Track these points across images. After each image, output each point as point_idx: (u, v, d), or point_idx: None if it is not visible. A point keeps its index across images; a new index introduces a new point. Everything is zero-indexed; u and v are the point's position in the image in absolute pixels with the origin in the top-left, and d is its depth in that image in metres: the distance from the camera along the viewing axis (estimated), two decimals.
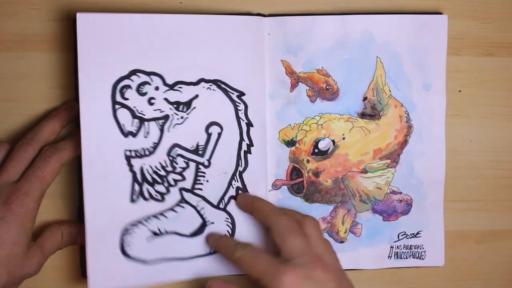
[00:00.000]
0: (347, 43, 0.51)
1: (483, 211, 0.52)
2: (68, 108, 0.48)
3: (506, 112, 0.54)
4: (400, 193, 0.53)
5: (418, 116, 0.52)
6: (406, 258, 0.54)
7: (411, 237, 0.53)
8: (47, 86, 0.49)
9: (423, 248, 0.54)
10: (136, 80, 0.47)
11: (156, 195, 0.48)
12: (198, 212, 0.50)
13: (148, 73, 0.47)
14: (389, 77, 0.52)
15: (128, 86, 0.47)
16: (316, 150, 0.52)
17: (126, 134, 0.47)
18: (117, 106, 0.47)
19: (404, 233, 0.53)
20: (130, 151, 0.47)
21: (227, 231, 0.50)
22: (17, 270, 0.43)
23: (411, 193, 0.53)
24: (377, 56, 0.51)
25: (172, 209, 0.49)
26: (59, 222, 0.49)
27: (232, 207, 0.50)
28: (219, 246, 0.48)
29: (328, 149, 0.52)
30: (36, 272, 0.45)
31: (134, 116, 0.47)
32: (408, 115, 0.52)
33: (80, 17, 0.45)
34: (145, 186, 0.48)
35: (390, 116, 0.52)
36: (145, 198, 0.48)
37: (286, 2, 0.51)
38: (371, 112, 0.52)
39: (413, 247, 0.53)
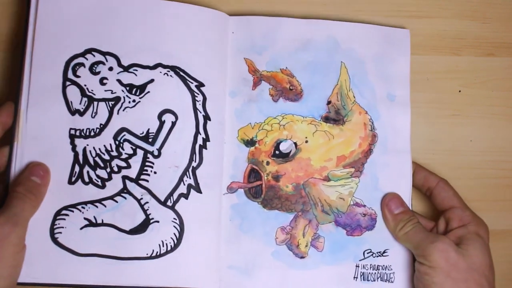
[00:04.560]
0: (312, 46, 0.50)
1: (483, 211, 0.49)
2: (9, 112, 0.44)
3: (506, 112, 0.53)
4: (364, 206, 0.49)
5: (383, 126, 0.50)
6: (374, 280, 0.48)
7: (377, 256, 0.48)
8: None
9: (391, 269, 0.48)
10: (91, 58, 0.45)
11: (97, 180, 0.44)
12: (142, 206, 0.45)
13: (104, 53, 0.46)
14: (353, 83, 0.51)
15: (82, 64, 0.45)
16: (277, 152, 0.49)
17: (73, 112, 0.44)
18: (67, 83, 0.45)
19: (370, 250, 0.48)
20: (75, 130, 0.44)
21: (174, 233, 0.45)
22: None
23: (376, 207, 0.49)
24: (341, 61, 0.51)
25: (112, 198, 0.44)
26: None
27: (182, 206, 0.45)
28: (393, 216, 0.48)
29: (290, 151, 0.49)
30: None
31: (83, 94, 0.45)
32: (372, 123, 0.50)
33: None
34: (86, 168, 0.44)
35: (354, 122, 0.50)
36: (84, 182, 0.44)
37: (252, 1, 0.51)
38: (335, 117, 0.50)
39: (380, 267, 0.48)
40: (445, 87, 0.53)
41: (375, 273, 0.48)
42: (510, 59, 0.53)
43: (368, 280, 0.48)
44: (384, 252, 0.48)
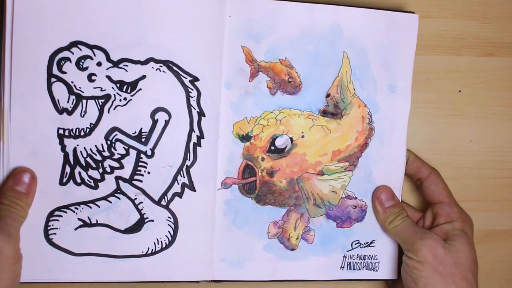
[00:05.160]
0: (313, 34, 0.47)
1: (483, 211, 0.51)
2: None
3: (506, 112, 0.53)
4: (355, 198, 0.50)
5: (381, 119, 0.49)
6: (359, 269, 0.50)
7: (364, 246, 0.50)
8: None
9: (376, 259, 0.50)
10: (77, 52, 0.42)
11: (89, 181, 0.43)
12: (136, 206, 0.45)
13: (91, 46, 0.42)
14: (354, 74, 0.48)
15: (67, 59, 0.42)
16: (272, 148, 0.48)
17: (60, 110, 0.42)
18: (52, 80, 0.42)
19: (358, 241, 0.50)
20: (64, 129, 0.43)
21: (168, 231, 0.46)
22: None
23: (366, 199, 0.50)
24: (344, 51, 0.48)
25: (106, 198, 0.44)
26: None
27: (176, 205, 0.46)
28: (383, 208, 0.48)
29: (286, 147, 0.48)
30: None
31: (71, 92, 0.42)
32: (370, 116, 0.49)
33: None
34: (78, 169, 0.43)
35: (352, 116, 0.49)
36: (76, 183, 0.43)
37: None
38: (333, 111, 0.49)
39: (366, 257, 0.50)
40: (445, 87, 0.52)
41: (361, 262, 0.50)
42: (510, 59, 0.52)
43: (354, 269, 0.50)
44: (371, 242, 0.50)
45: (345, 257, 0.50)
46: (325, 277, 0.50)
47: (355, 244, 0.50)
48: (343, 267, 0.50)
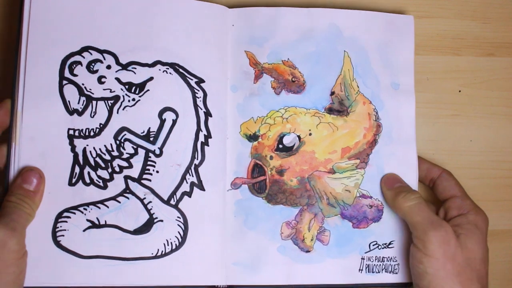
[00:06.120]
0: (314, 35, 0.49)
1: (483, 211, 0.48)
2: (6, 110, 0.43)
3: (506, 112, 0.53)
4: (371, 197, 0.48)
5: (387, 115, 0.49)
6: (379, 272, 0.48)
7: (383, 248, 0.48)
8: None
9: (396, 261, 0.48)
10: (88, 57, 0.44)
11: (98, 181, 0.44)
12: (145, 206, 0.44)
13: (101, 51, 0.45)
14: (357, 72, 0.49)
15: (78, 63, 0.44)
16: (280, 146, 0.48)
17: (71, 111, 0.44)
18: (64, 82, 0.44)
19: (375, 242, 0.48)
20: (74, 130, 0.43)
21: (178, 232, 0.45)
22: None
23: (382, 198, 0.48)
24: (344, 51, 0.49)
25: (114, 198, 0.44)
26: None
27: (186, 204, 0.45)
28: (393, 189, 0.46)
29: (294, 145, 0.48)
30: None
31: (81, 93, 0.44)
32: (377, 113, 0.49)
33: None
34: (87, 169, 0.43)
35: (358, 113, 0.49)
36: (85, 183, 0.43)
37: None
38: (338, 108, 0.49)
39: (385, 259, 0.48)
40: (445, 87, 0.52)
41: (380, 264, 0.48)
42: (510, 59, 0.53)
43: (373, 272, 0.48)
44: (389, 243, 0.48)
45: (363, 259, 0.48)
46: (344, 281, 0.47)
47: (373, 245, 0.48)
48: (362, 269, 0.48)
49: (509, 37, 0.53)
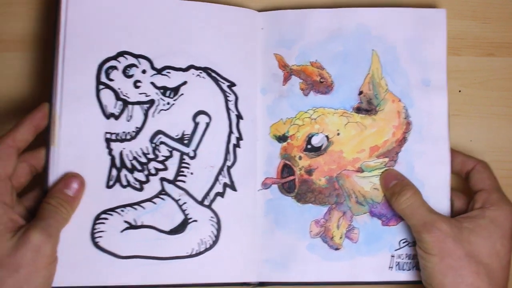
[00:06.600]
0: (341, 35, 0.50)
1: None
2: (43, 115, 0.44)
3: (506, 112, 0.53)
4: None
5: (418, 113, 0.49)
6: (409, 269, 0.49)
7: (413, 245, 0.49)
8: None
9: None
10: (123, 61, 0.46)
11: (135, 183, 0.45)
12: (180, 206, 0.46)
13: (136, 56, 0.46)
14: (385, 70, 0.50)
15: (115, 67, 0.46)
16: (309, 146, 0.49)
17: (108, 116, 0.45)
18: (101, 87, 0.45)
19: (405, 240, 0.49)
20: (111, 133, 0.45)
21: (212, 231, 0.46)
22: None
23: None
24: (372, 49, 0.50)
25: (150, 200, 0.45)
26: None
27: (219, 205, 0.46)
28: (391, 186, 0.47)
29: (322, 145, 0.49)
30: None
31: (118, 98, 0.46)
32: (406, 111, 0.50)
33: None
34: (124, 172, 0.45)
35: (387, 111, 0.50)
36: (122, 185, 0.45)
37: None
38: (367, 107, 0.50)
39: (416, 256, 0.49)
40: None
41: (410, 262, 0.49)
42: (510, 59, 0.53)
43: (403, 270, 0.48)
44: None
45: (393, 256, 0.49)
46: (374, 278, 0.48)
47: (403, 242, 0.49)
48: (392, 267, 0.49)
49: (509, 37, 0.53)
